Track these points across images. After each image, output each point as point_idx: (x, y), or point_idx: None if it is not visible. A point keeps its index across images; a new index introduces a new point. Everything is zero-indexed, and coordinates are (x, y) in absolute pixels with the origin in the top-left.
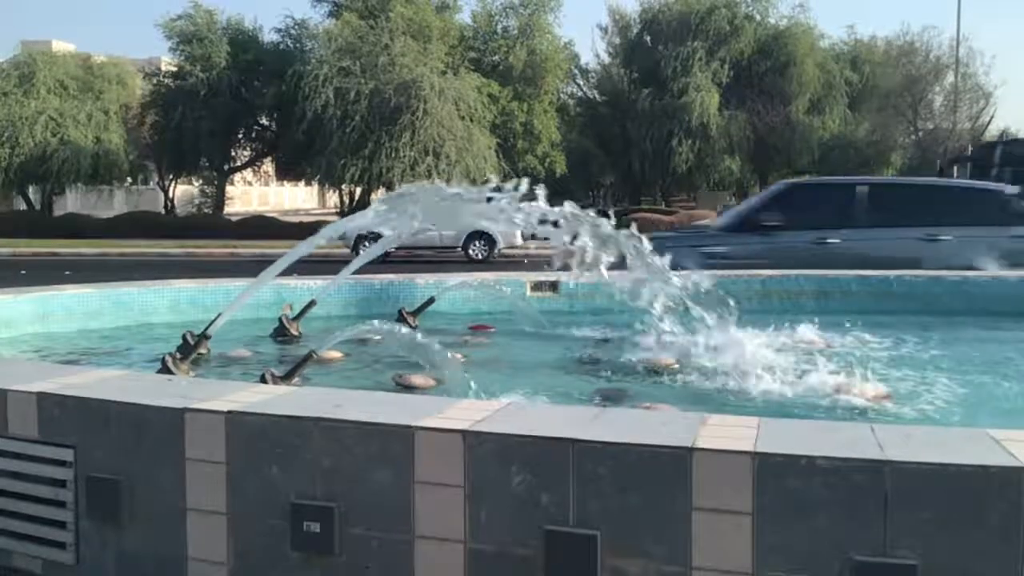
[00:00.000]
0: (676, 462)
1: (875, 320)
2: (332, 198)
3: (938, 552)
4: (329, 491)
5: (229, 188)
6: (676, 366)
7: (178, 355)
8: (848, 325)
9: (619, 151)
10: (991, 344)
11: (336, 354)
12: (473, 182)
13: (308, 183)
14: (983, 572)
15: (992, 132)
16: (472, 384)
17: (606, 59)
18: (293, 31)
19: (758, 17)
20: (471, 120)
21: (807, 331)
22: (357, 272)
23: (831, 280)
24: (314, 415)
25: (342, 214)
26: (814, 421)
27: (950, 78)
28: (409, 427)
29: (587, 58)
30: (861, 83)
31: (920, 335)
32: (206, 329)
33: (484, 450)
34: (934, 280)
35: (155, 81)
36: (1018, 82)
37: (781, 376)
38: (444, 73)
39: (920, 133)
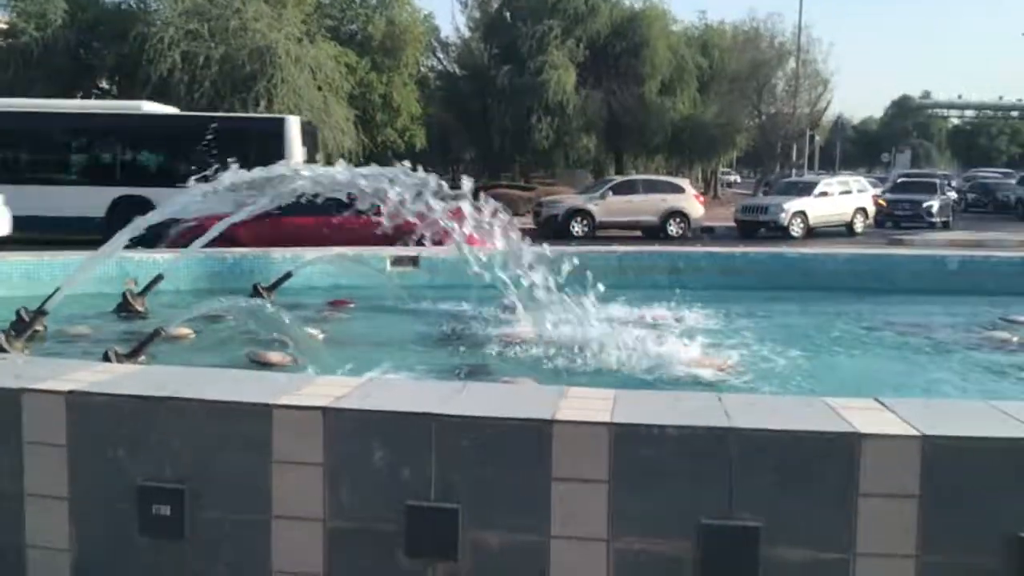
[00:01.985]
0: (536, 434)
1: (722, 295)
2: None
3: (780, 514)
4: (180, 473)
5: None
6: (535, 340)
7: (12, 332)
8: (696, 300)
9: (479, 127)
10: (825, 317)
11: (186, 331)
12: (330, 155)
13: None
14: (820, 532)
15: (828, 117)
16: (331, 360)
17: (466, 33)
18: None
19: None
20: (328, 90)
21: (658, 306)
22: (208, 245)
23: (683, 256)
24: (162, 394)
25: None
26: (666, 392)
27: (792, 64)
28: (266, 405)
29: (447, 31)
30: (710, 67)
31: (762, 309)
32: (42, 305)
33: (344, 427)
34: (775, 256)
35: None
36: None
37: (635, 349)
38: (300, 41)
39: (763, 116)
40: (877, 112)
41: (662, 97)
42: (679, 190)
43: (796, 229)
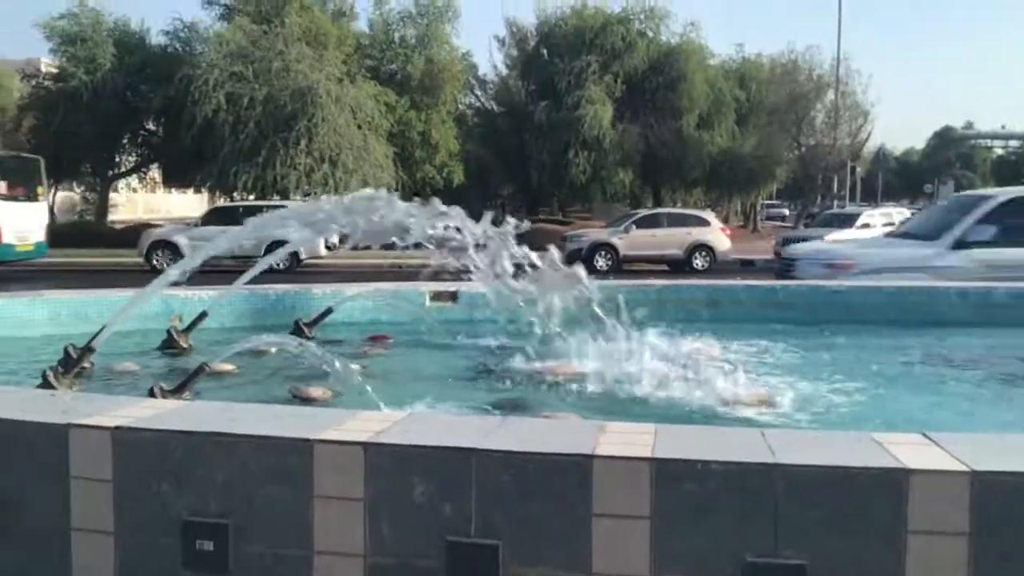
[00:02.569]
0: (577, 469)
1: (763, 329)
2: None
3: (826, 552)
4: (223, 508)
5: (113, 195)
6: (575, 374)
7: (60, 369)
8: (738, 333)
9: (517, 162)
10: (870, 351)
11: (229, 367)
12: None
13: (197, 190)
14: (868, 571)
15: (869, 148)
16: (371, 395)
17: (504, 70)
18: (183, 34)
19: (650, 34)
20: (368, 128)
21: (700, 339)
22: (251, 282)
23: (722, 289)
24: (207, 429)
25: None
26: (708, 427)
27: (831, 96)
28: (307, 440)
29: (485, 69)
30: (748, 100)
31: (805, 343)
32: (90, 341)
33: (385, 462)
34: (816, 289)
35: (34, 83)
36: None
37: (676, 383)
38: (341, 81)
39: (803, 148)
40: (919, 143)
41: (700, 130)
42: (704, 223)
43: None
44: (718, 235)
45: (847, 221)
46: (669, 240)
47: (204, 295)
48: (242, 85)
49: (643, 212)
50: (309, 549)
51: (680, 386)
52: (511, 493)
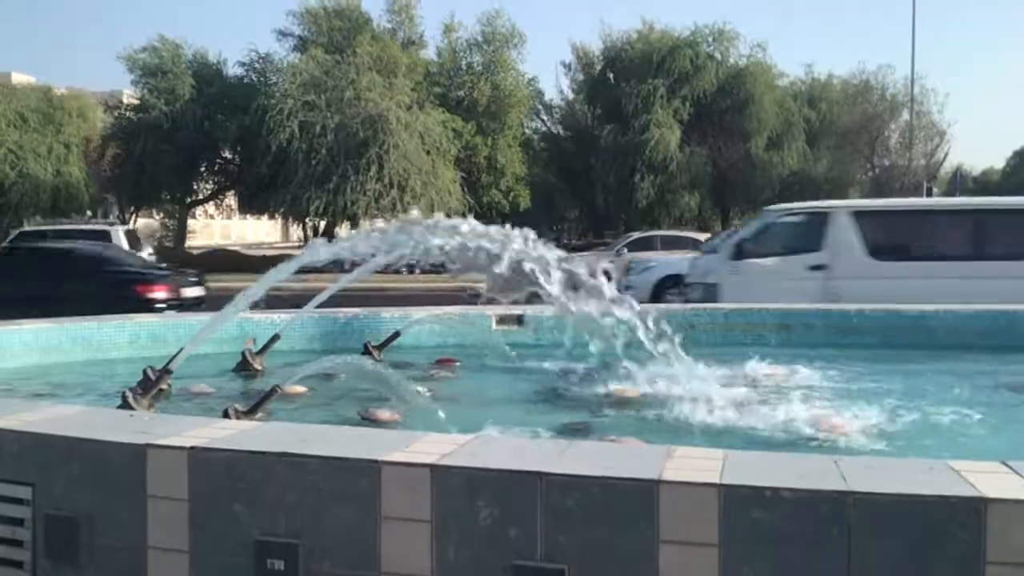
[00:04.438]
0: (643, 495)
1: (835, 354)
2: (296, 231)
3: None
4: (294, 528)
5: (191, 221)
6: (641, 398)
7: (139, 390)
8: (808, 358)
9: (582, 186)
10: (947, 376)
11: (301, 389)
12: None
13: (271, 216)
14: None
15: (947, 169)
16: (439, 418)
17: (569, 95)
18: (258, 65)
19: (719, 57)
20: (436, 154)
21: (769, 364)
22: (321, 306)
23: (793, 314)
24: (279, 450)
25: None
26: (778, 453)
27: (905, 116)
28: (375, 462)
29: (551, 94)
30: (819, 120)
31: (879, 369)
32: (167, 364)
33: (452, 484)
34: (892, 314)
35: (117, 114)
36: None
37: (744, 408)
38: (410, 108)
39: (877, 169)
40: (999, 163)
41: (769, 152)
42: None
43: None
44: None
45: None
46: None
47: (277, 318)
48: (314, 114)
49: (636, 235)
50: (376, 570)
51: (748, 411)
52: (577, 518)
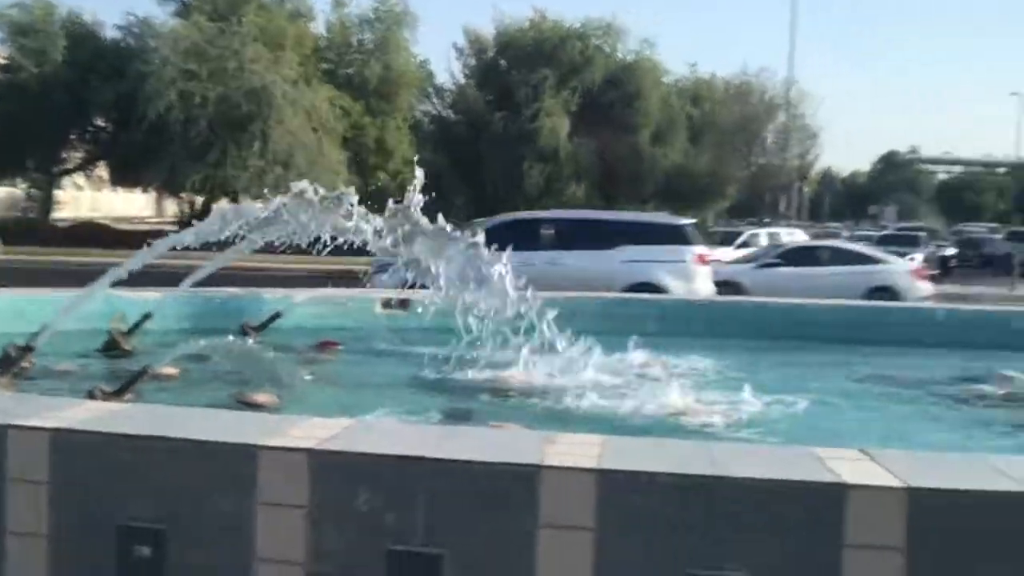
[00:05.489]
0: (524, 480)
1: (708, 344)
2: (171, 207)
3: (767, 563)
4: (162, 513)
5: (58, 192)
6: (524, 385)
7: None
8: (683, 348)
9: (472, 171)
10: (813, 368)
11: (172, 370)
12: None
13: (145, 190)
14: None
15: (817, 170)
16: (319, 402)
17: (461, 80)
18: (136, 29)
19: (607, 50)
20: (323, 132)
21: (645, 353)
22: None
23: (670, 304)
24: (148, 433)
25: (181, 224)
26: (654, 439)
27: (782, 117)
28: (252, 446)
29: (442, 77)
30: (701, 118)
31: (749, 358)
32: (30, 341)
33: (331, 470)
34: (761, 306)
35: None
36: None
37: (622, 395)
38: (296, 83)
39: (754, 168)
40: (865, 166)
41: (654, 147)
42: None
43: None
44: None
45: (726, 240)
46: None
47: (149, 296)
48: (195, 83)
49: (500, 217)
50: (250, 556)
51: (627, 398)
52: (458, 503)
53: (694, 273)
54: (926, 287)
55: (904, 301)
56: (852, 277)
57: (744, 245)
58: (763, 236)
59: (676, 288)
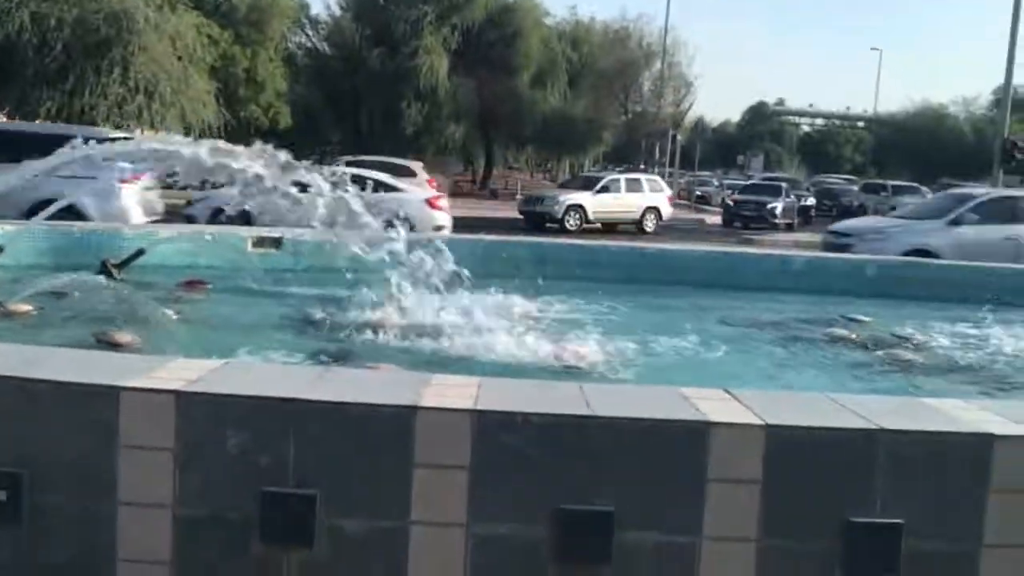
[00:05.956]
0: (399, 420)
1: (585, 287)
2: None
3: (634, 499)
4: (19, 456)
5: None
6: (399, 326)
7: None
8: (559, 291)
9: (348, 109)
10: (682, 312)
11: (27, 307)
12: (189, 127)
13: None
14: (673, 517)
15: (690, 118)
16: (185, 342)
17: (337, 12)
18: None
19: None
20: (189, 61)
21: (522, 296)
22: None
23: (549, 247)
24: (3, 373)
25: None
26: (529, 380)
27: (658, 65)
28: (113, 387)
29: (317, 9)
30: (580, 62)
31: (621, 302)
32: None
33: (198, 412)
34: (633, 250)
35: None
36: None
37: (500, 337)
38: (160, 8)
39: (629, 115)
40: (735, 116)
41: (533, 89)
42: (411, 173)
43: (571, 223)
44: (426, 189)
45: (587, 184)
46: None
47: (0, 229)
48: (49, 4)
49: (347, 158)
50: (112, 500)
51: (503, 341)
52: (331, 444)
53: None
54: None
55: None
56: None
57: (604, 190)
58: (622, 182)
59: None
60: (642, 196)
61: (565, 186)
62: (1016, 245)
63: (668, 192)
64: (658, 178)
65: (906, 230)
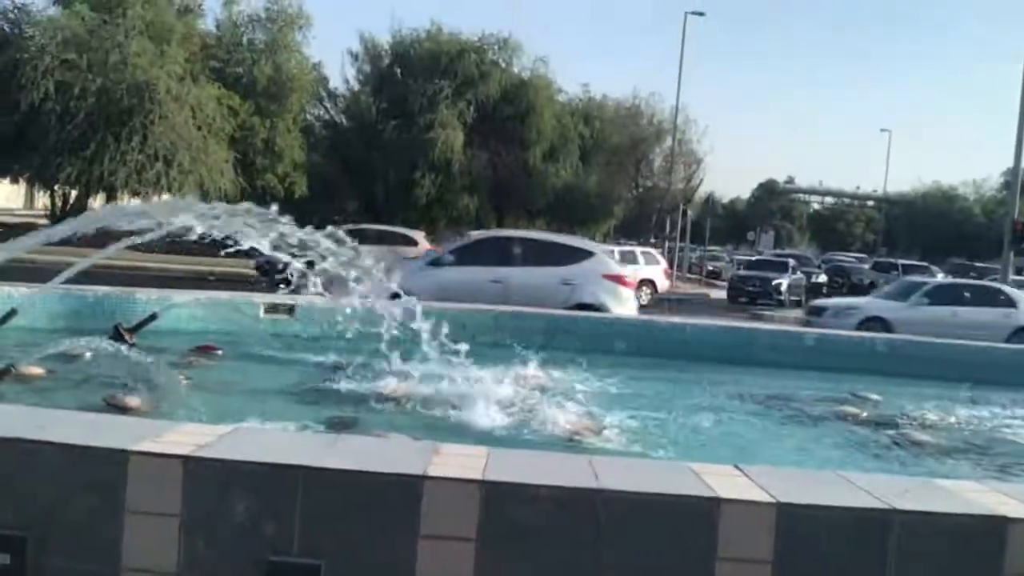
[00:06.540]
0: (407, 490)
1: (594, 359)
2: (42, 199)
3: (642, 573)
4: (24, 519)
5: None
6: (411, 395)
7: None
8: (569, 362)
9: (363, 178)
10: (693, 386)
11: (38, 370)
12: (206, 194)
13: (15, 180)
14: None
15: (701, 194)
16: (195, 407)
17: (355, 86)
18: (12, 15)
19: (503, 65)
20: (208, 131)
21: (532, 367)
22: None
23: (559, 319)
24: (10, 435)
25: (52, 217)
26: (538, 451)
27: (669, 142)
28: (122, 451)
29: (336, 82)
30: (592, 138)
31: (631, 375)
32: None
33: (206, 478)
34: (644, 324)
35: None
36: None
37: (508, 409)
38: (182, 79)
39: (640, 189)
40: (745, 193)
41: (546, 163)
42: (412, 242)
43: None
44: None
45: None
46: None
47: (15, 292)
48: (74, 74)
49: (348, 226)
50: (116, 566)
51: (512, 412)
52: (337, 513)
53: None
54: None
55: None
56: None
57: None
58: (616, 254)
59: None
60: (636, 268)
61: None
62: (953, 317)
63: (664, 265)
64: (653, 250)
65: (868, 306)
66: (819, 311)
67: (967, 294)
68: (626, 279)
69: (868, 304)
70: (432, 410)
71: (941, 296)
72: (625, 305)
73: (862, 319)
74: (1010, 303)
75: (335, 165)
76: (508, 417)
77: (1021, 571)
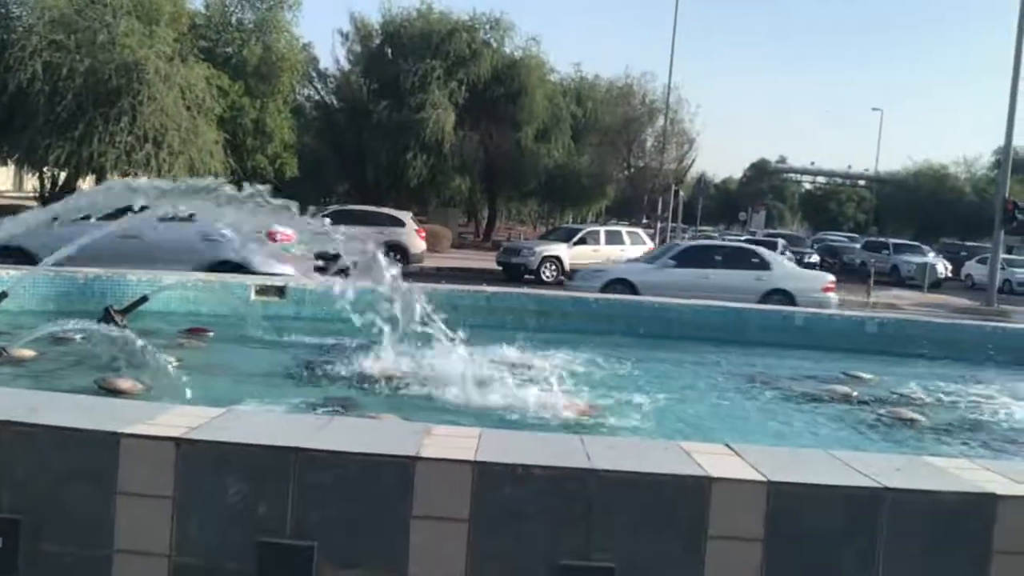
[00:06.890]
0: (399, 471)
1: (585, 339)
2: (31, 181)
3: (634, 555)
4: (17, 503)
5: None
6: (403, 376)
7: None
8: (562, 343)
9: (354, 159)
10: (680, 366)
11: (29, 353)
12: (196, 176)
13: (4, 163)
14: (673, 572)
15: (693, 174)
16: (187, 389)
17: (346, 66)
18: None
19: (495, 44)
20: (198, 112)
21: (524, 348)
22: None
23: (550, 300)
24: (3, 418)
25: (42, 199)
26: (530, 432)
27: (661, 121)
28: (114, 434)
29: (326, 62)
30: (584, 118)
31: (624, 355)
32: None
33: (198, 459)
34: (636, 304)
35: None
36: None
37: (500, 390)
38: (171, 60)
39: (632, 169)
40: (737, 173)
41: (537, 143)
42: (399, 223)
43: (547, 274)
44: (413, 237)
45: (566, 236)
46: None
47: (4, 275)
48: (62, 55)
49: (334, 207)
50: (109, 548)
51: (505, 391)
52: (330, 494)
53: None
54: None
55: None
56: None
57: (582, 242)
58: (601, 234)
59: None
60: (622, 248)
61: (545, 238)
62: (704, 280)
63: (650, 245)
64: (640, 231)
65: (614, 269)
66: (571, 275)
67: (718, 257)
68: None
69: (615, 268)
70: (424, 391)
71: (690, 259)
72: None
73: (607, 281)
74: (763, 265)
75: (326, 146)
76: (501, 398)
77: (1010, 548)
